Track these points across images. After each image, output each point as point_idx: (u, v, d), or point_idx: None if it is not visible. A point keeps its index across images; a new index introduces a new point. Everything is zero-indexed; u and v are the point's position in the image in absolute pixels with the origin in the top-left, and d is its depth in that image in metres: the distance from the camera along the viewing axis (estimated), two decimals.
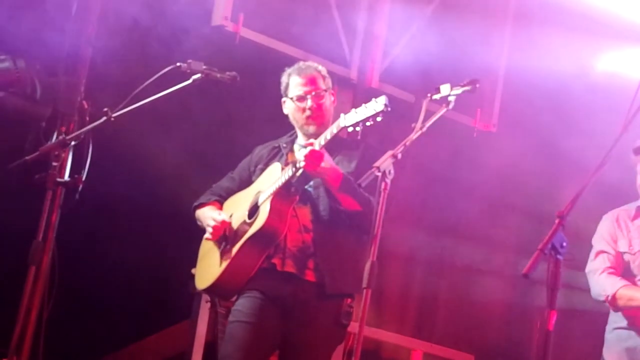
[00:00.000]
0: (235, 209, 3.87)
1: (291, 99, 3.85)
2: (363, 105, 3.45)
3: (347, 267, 3.66)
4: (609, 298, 4.15)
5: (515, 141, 6.36)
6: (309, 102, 3.81)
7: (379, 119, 3.40)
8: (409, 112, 5.85)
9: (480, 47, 6.17)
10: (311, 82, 3.85)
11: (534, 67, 6.15)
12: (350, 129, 3.48)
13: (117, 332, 5.36)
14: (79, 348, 5.15)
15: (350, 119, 3.47)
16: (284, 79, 3.91)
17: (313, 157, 3.54)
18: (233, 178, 4.03)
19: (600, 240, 4.32)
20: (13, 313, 3.58)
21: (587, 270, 4.29)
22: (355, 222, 3.68)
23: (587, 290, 4.33)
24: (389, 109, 3.38)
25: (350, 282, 3.60)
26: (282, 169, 3.72)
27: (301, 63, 3.95)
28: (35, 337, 3.59)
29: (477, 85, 3.52)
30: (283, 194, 3.67)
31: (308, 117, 3.81)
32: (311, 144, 3.61)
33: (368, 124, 3.43)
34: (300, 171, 3.61)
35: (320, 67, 3.93)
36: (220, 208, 3.95)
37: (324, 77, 3.89)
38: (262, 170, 3.89)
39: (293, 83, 3.86)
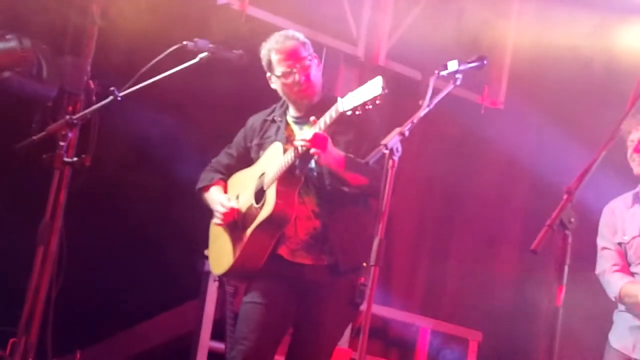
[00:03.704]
0: (241, 190, 3.83)
1: (277, 76, 3.75)
2: (360, 87, 3.37)
3: (359, 242, 3.63)
4: (617, 298, 4.16)
5: (523, 117, 6.34)
6: (296, 77, 3.70)
7: (378, 102, 3.32)
8: (416, 89, 5.83)
9: (487, 22, 6.13)
10: (293, 54, 3.71)
11: (543, 42, 6.11)
12: (349, 113, 3.40)
13: (125, 311, 5.38)
14: (87, 327, 5.17)
15: (348, 103, 3.39)
16: (264, 53, 3.77)
17: (319, 141, 3.47)
18: (231, 154, 3.96)
19: (601, 236, 4.28)
20: (22, 293, 3.60)
21: (596, 272, 4.28)
22: (364, 194, 3.64)
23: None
24: (386, 91, 3.30)
25: (363, 256, 3.48)
26: (284, 150, 3.66)
27: (277, 35, 3.79)
28: (44, 316, 3.60)
29: (485, 62, 3.50)
30: (287, 178, 3.62)
31: (299, 92, 3.73)
32: (314, 122, 3.53)
33: (369, 107, 3.34)
34: (302, 153, 3.57)
35: (297, 34, 3.79)
36: (225, 187, 3.92)
37: (303, 44, 3.75)
38: (259, 145, 3.83)
39: (275, 60, 3.73)
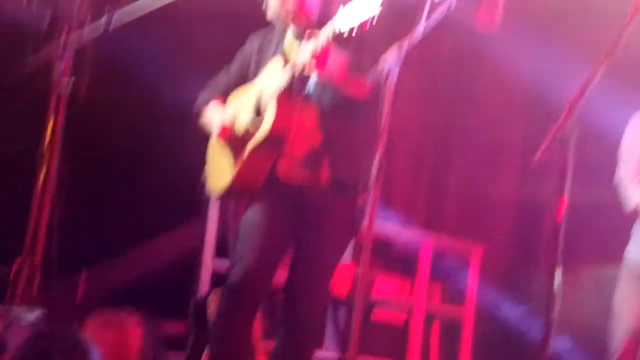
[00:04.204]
0: (240, 107, 3.81)
1: None
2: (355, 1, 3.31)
3: (360, 157, 3.62)
4: (636, 209, 4.12)
5: (521, 35, 6.27)
6: (290, 1, 3.68)
7: (374, 21, 3.27)
8: (412, 8, 5.76)
9: None
10: None
11: None
12: (346, 34, 3.35)
13: (130, 231, 5.41)
14: (92, 247, 5.20)
15: (345, 23, 3.33)
16: None
17: (317, 58, 3.43)
18: (229, 73, 3.94)
19: (626, 145, 4.23)
20: (26, 216, 3.63)
21: (615, 180, 4.23)
22: (366, 105, 3.60)
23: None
24: (382, 8, 3.26)
25: (364, 171, 3.53)
26: (283, 66, 3.62)
27: None
28: (49, 237, 3.64)
29: None
30: (286, 94, 3.60)
31: (292, 16, 3.70)
32: (311, 36, 3.46)
33: (366, 26, 3.30)
34: (301, 70, 3.53)
35: None
36: (224, 104, 3.89)
37: None
38: (257, 63, 3.81)
39: None
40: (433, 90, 6.38)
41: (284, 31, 3.81)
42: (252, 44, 3.91)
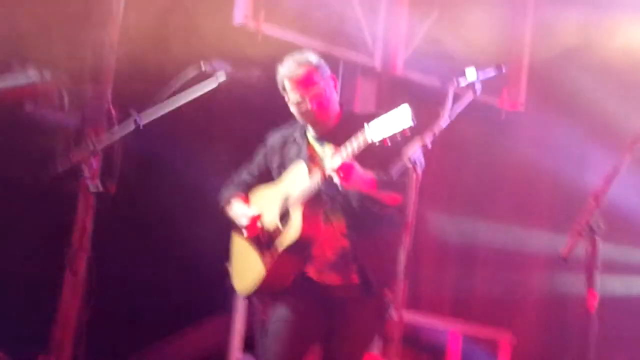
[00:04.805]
0: (265, 208, 3.81)
1: (291, 103, 3.75)
2: (387, 114, 3.33)
3: (388, 259, 3.60)
4: None
5: (545, 119, 6.29)
6: (308, 105, 3.69)
7: (408, 133, 3.29)
8: (435, 97, 5.82)
9: (504, 25, 6.11)
10: (305, 83, 3.68)
11: (560, 41, 6.08)
12: (378, 144, 3.37)
13: (154, 329, 5.39)
14: (117, 347, 5.19)
15: (377, 134, 3.34)
16: (278, 78, 3.76)
17: (343, 170, 3.45)
18: (251, 171, 3.95)
19: None
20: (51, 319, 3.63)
21: None
22: (397, 210, 3.60)
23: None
24: (415, 122, 3.28)
25: (392, 272, 3.44)
26: (309, 171, 3.64)
27: (290, 61, 3.74)
28: (76, 340, 3.63)
29: (503, 70, 3.48)
30: (313, 201, 3.62)
31: (312, 118, 3.72)
32: (337, 148, 3.48)
33: (398, 138, 3.32)
34: (328, 179, 3.54)
35: (310, 58, 3.73)
36: (247, 200, 3.90)
37: (317, 68, 3.71)
38: (281, 165, 3.82)
39: (288, 87, 3.72)
40: (457, 176, 6.36)
41: (306, 129, 3.83)
42: (273, 140, 3.92)
